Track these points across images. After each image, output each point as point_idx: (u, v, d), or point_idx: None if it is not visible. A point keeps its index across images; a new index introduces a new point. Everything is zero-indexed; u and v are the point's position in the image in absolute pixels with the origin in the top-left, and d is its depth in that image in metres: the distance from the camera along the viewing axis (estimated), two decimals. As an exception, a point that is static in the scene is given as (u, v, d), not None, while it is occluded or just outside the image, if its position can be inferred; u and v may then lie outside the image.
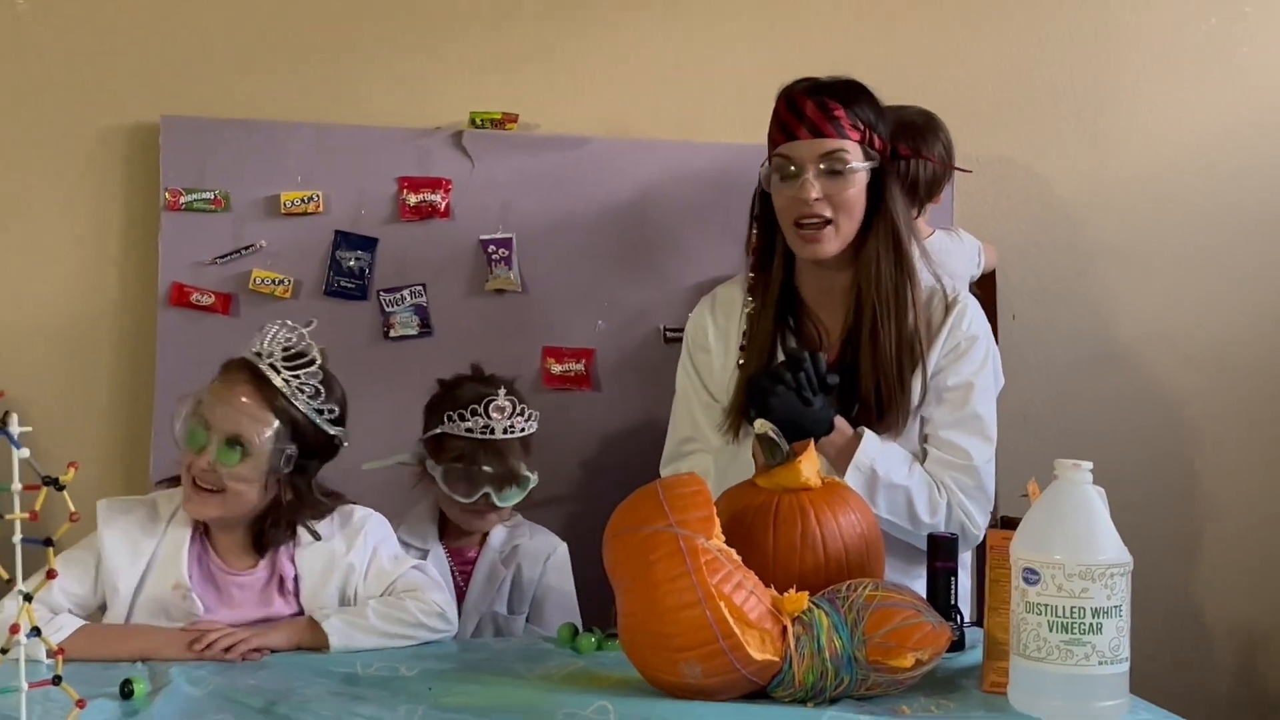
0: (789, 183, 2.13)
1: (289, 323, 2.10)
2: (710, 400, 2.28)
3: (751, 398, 2.08)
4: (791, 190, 2.12)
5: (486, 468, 2.35)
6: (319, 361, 2.09)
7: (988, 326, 2.26)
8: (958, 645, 1.97)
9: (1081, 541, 1.66)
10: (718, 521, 1.77)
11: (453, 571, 2.43)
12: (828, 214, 2.12)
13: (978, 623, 2.00)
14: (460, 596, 2.41)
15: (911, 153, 2.43)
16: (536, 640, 2.13)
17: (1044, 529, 1.69)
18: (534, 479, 2.41)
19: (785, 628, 1.74)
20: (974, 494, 2.15)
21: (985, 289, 2.81)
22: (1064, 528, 1.68)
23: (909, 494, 2.11)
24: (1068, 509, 1.69)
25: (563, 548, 2.49)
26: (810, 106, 2.12)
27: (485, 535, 2.46)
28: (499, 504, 2.37)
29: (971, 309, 2.23)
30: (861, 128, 2.13)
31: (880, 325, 2.15)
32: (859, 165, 2.13)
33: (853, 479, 2.07)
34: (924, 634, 1.74)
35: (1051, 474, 1.71)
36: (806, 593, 1.77)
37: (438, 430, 2.38)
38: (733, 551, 1.78)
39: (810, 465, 1.99)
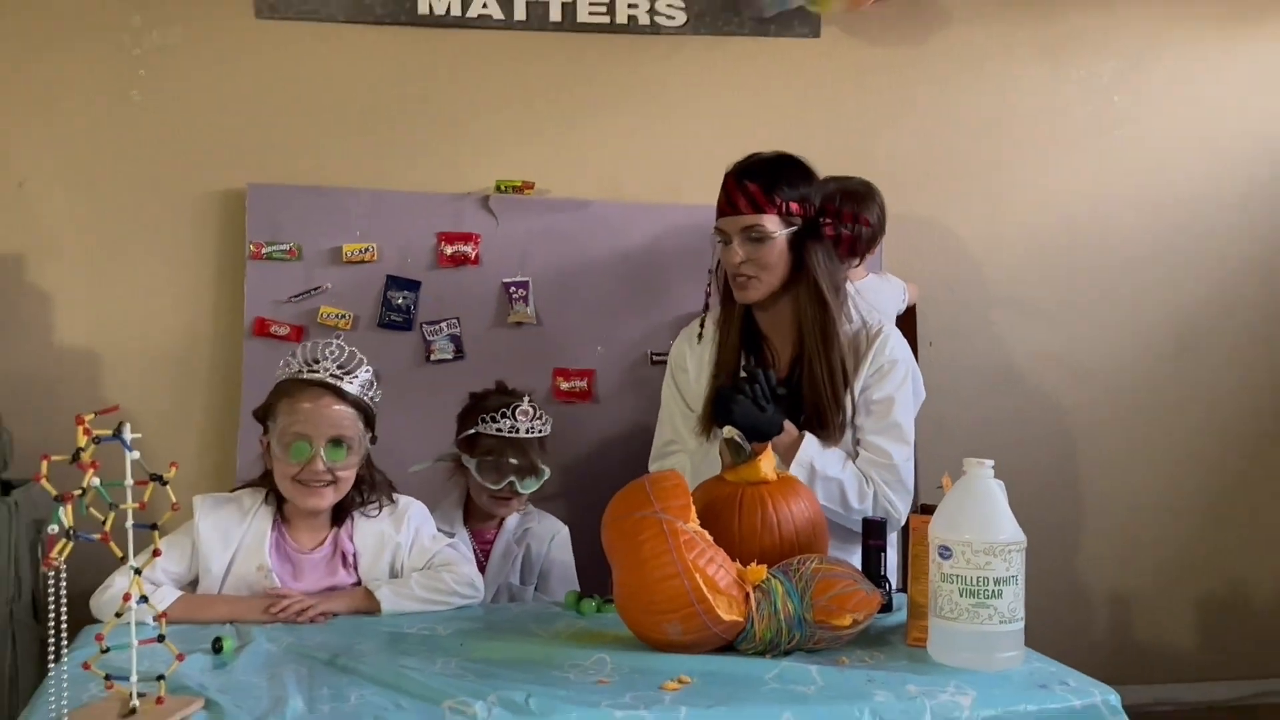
0: (724, 247, 2.17)
1: (316, 341, 2.08)
2: (688, 410, 2.28)
3: (718, 404, 2.11)
4: (726, 254, 2.16)
5: (512, 460, 2.35)
6: (363, 359, 2.09)
7: (908, 352, 2.25)
8: (886, 608, 1.96)
9: (985, 524, 1.66)
10: (694, 509, 1.77)
11: (474, 550, 2.42)
12: (751, 272, 2.14)
13: (903, 589, 2.00)
14: (480, 570, 2.38)
15: (852, 217, 2.43)
16: (547, 605, 2.12)
17: (955, 514, 1.69)
18: (548, 472, 2.40)
19: (748, 594, 1.73)
20: (895, 487, 2.14)
21: (908, 321, 2.82)
22: (971, 513, 1.68)
23: (842, 486, 2.12)
24: (974, 498, 1.69)
25: (564, 530, 2.48)
26: (735, 190, 2.15)
27: (501, 520, 2.45)
28: (520, 491, 2.36)
29: (893, 338, 2.23)
30: (778, 201, 2.14)
31: (814, 356, 2.16)
32: (777, 232, 2.13)
33: (796, 471, 2.08)
34: (859, 599, 1.74)
35: (961, 470, 1.71)
36: (765, 566, 1.77)
37: (472, 431, 2.38)
38: (706, 533, 1.78)
39: (768, 463, 1.98)
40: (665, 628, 1.71)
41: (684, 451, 2.24)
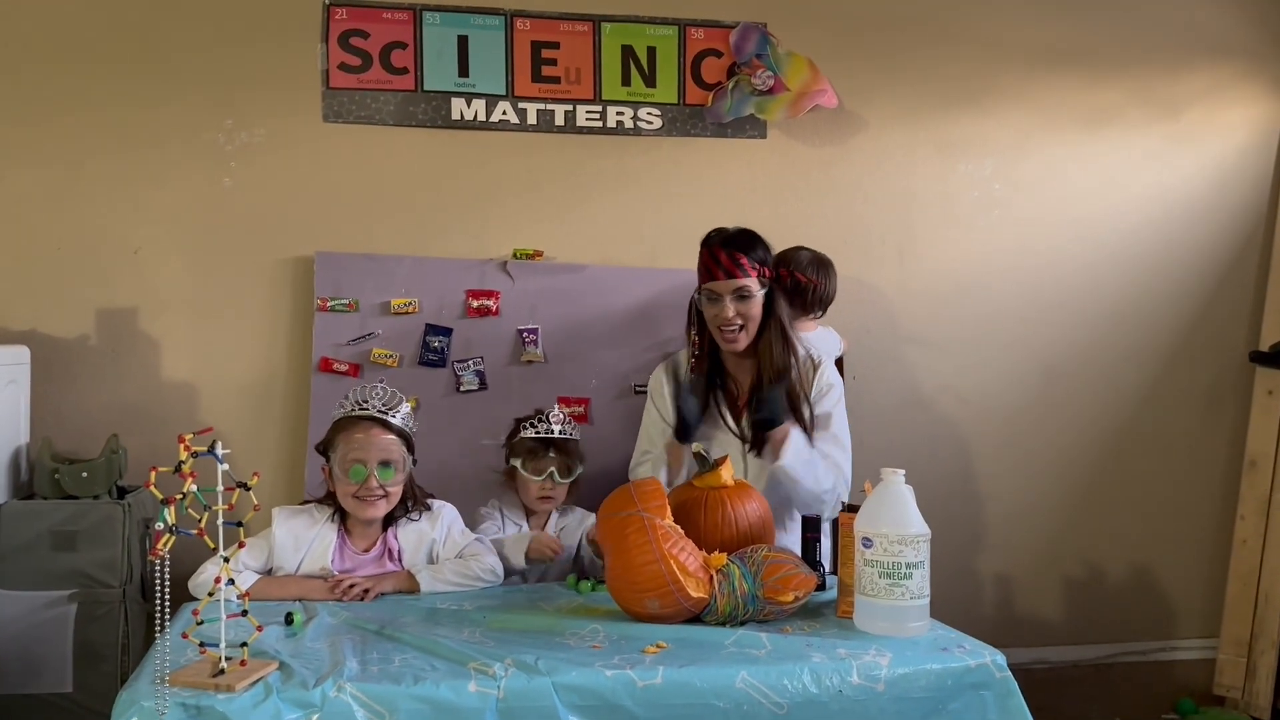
0: (714, 304, 2.16)
1: (364, 386, 2.08)
2: (665, 426, 2.27)
3: (766, 404, 2.09)
4: (715, 310, 2.15)
5: (550, 455, 2.34)
6: (402, 397, 2.08)
7: (839, 379, 2.26)
8: (820, 587, 1.96)
9: (898, 520, 1.67)
10: (669, 508, 1.77)
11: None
12: (740, 323, 2.15)
13: (834, 572, 1.99)
14: None
15: (821, 283, 2.54)
16: (551, 585, 2.10)
17: (875, 512, 1.69)
18: (581, 468, 2.39)
19: (712, 576, 1.73)
20: (840, 480, 2.14)
21: (839, 363, 2.81)
22: (887, 512, 1.68)
23: (817, 467, 2.10)
24: (890, 499, 1.69)
25: (591, 517, 2.43)
26: (724, 257, 2.14)
27: (547, 519, 2.42)
28: (558, 481, 2.35)
29: (828, 369, 2.24)
30: (757, 266, 2.15)
31: (773, 382, 2.16)
32: (757, 291, 2.15)
33: (791, 453, 2.05)
34: (800, 579, 1.73)
35: (880, 478, 1.72)
36: (725, 554, 1.76)
37: (519, 436, 2.39)
38: (679, 528, 1.77)
39: (727, 472, 1.99)
40: (646, 603, 1.70)
41: (658, 460, 2.22)
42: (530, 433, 2.36)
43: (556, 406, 2.38)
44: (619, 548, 1.74)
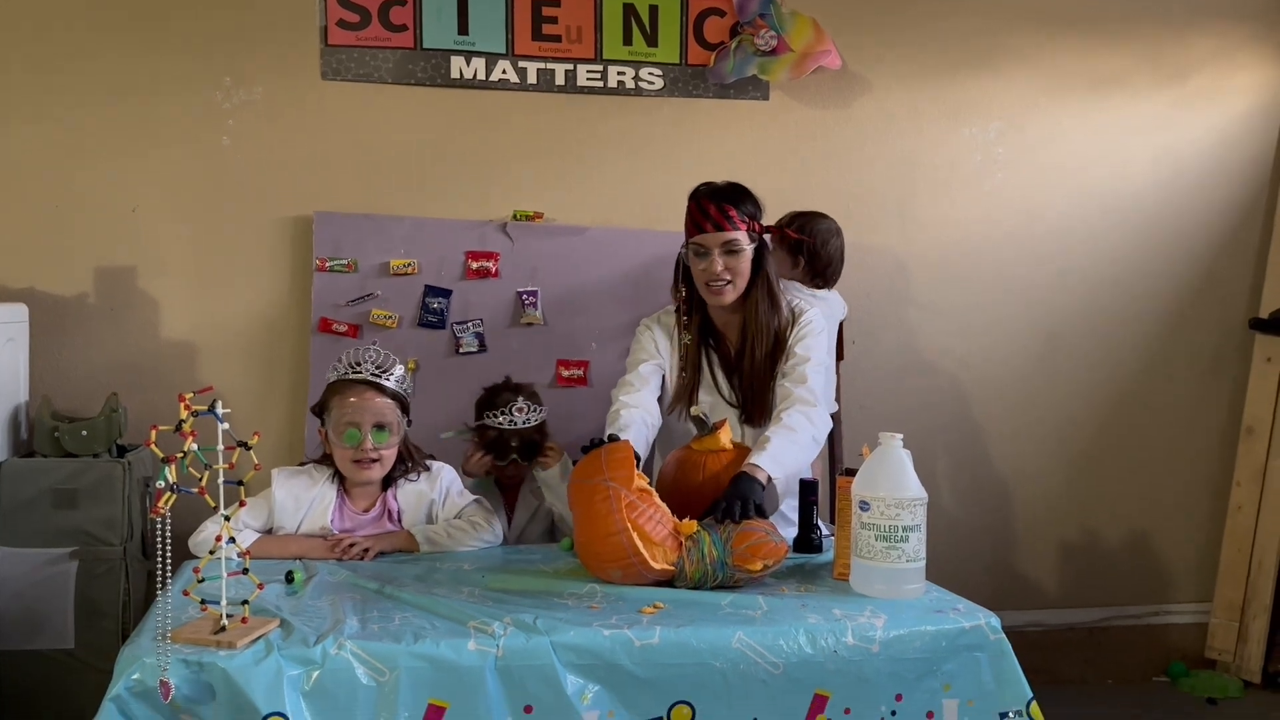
0: (701, 259, 2.10)
1: (358, 347, 2.07)
2: (657, 360, 2.21)
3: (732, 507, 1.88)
4: (704, 264, 2.10)
5: (513, 444, 2.34)
6: (396, 359, 2.07)
7: (823, 323, 2.21)
8: (818, 548, 1.97)
9: (896, 484, 1.67)
10: (638, 476, 1.75)
11: (504, 506, 2.40)
12: (728, 278, 2.09)
13: (830, 535, 2.00)
14: (509, 520, 2.39)
15: (837, 253, 2.58)
16: (549, 548, 2.11)
17: (872, 476, 1.69)
18: (548, 446, 2.37)
19: (681, 542, 1.73)
20: (820, 411, 2.08)
21: (841, 326, 2.81)
22: (885, 475, 1.68)
23: (801, 448, 2.03)
24: (887, 463, 1.69)
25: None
26: (713, 209, 2.08)
27: (521, 482, 2.44)
28: (523, 462, 2.36)
29: (811, 313, 2.18)
30: (746, 220, 2.09)
31: (757, 345, 2.13)
32: (746, 246, 2.10)
33: (780, 478, 1.97)
34: (769, 548, 1.72)
35: (878, 441, 1.72)
36: (695, 521, 1.76)
37: (482, 423, 2.38)
38: (652, 492, 1.76)
39: (725, 436, 1.99)
40: (609, 572, 1.71)
41: (636, 408, 2.13)
42: (493, 422, 2.35)
43: (520, 399, 2.35)
44: (585, 516, 1.74)
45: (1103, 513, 3.21)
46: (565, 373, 2.83)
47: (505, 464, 2.36)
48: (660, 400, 2.21)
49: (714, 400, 2.19)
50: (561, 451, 2.39)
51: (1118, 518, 3.22)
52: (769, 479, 1.90)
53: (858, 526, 1.68)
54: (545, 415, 2.40)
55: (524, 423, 2.35)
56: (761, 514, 1.82)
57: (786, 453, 1.96)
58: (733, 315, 2.17)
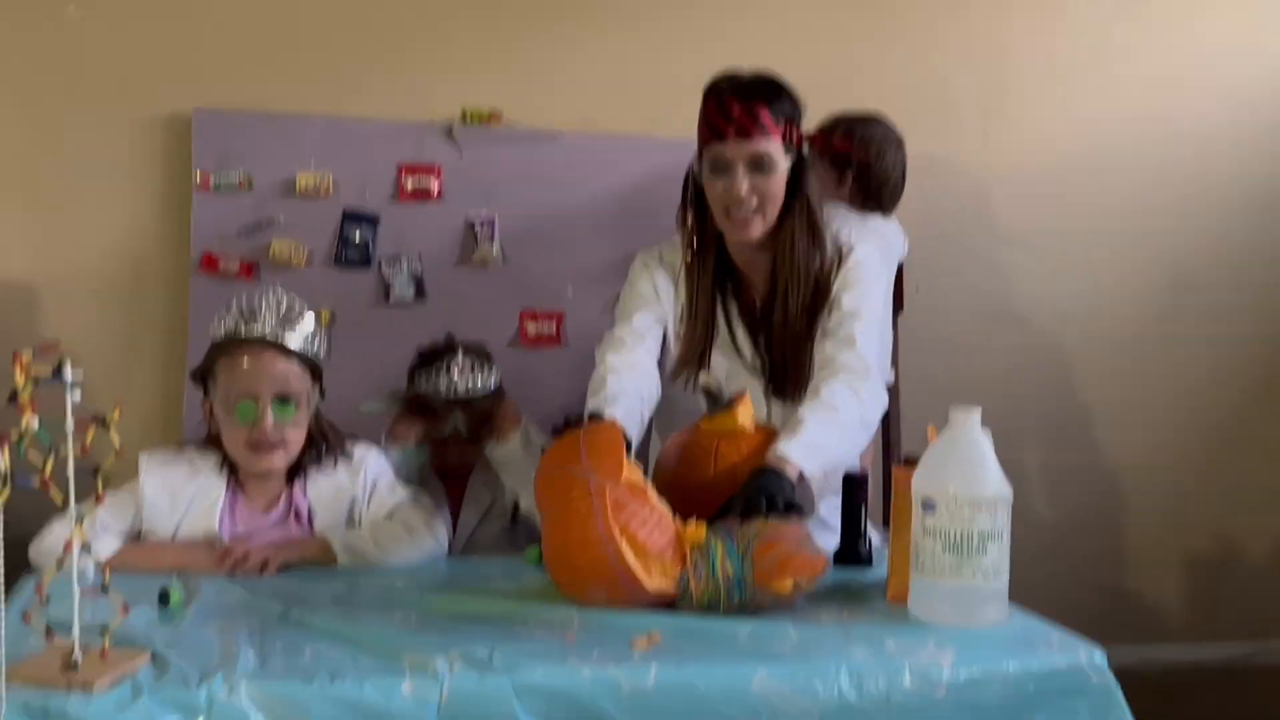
0: (720, 177, 2.07)
1: (252, 292, 2.07)
2: (657, 309, 2.23)
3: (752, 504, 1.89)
4: (722, 184, 2.07)
5: (460, 418, 2.38)
6: (304, 307, 2.08)
7: (878, 262, 2.22)
8: (866, 562, 1.99)
9: (971, 476, 1.67)
10: (627, 466, 1.75)
11: (448, 501, 2.43)
12: (755, 203, 2.07)
13: (883, 543, 2.02)
14: (454, 520, 2.42)
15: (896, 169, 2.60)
16: (511, 559, 2.12)
17: (940, 466, 1.69)
18: (512, 422, 2.40)
19: (686, 554, 1.74)
20: (874, 385, 2.09)
21: (900, 268, 2.81)
22: (956, 465, 1.68)
23: (846, 435, 2.04)
24: (960, 449, 1.69)
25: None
26: (737, 109, 2.04)
27: (471, 469, 2.47)
28: (475, 443, 2.39)
29: (862, 250, 2.17)
30: (782, 125, 2.06)
31: (791, 292, 2.12)
32: (780, 160, 2.06)
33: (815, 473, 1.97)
34: (801, 561, 1.71)
35: (947, 420, 1.72)
36: (705, 524, 1.77)
37: (416, 391, 2.40)
38: (645, 485, 1.78)
39: (744, 414, 1.99)
40: (589, 591, 1.71)
41: (627, 374, 2.14)
42: (428, 389, 2.38)
43: (460, 354, 2.39)
44: (559, 517, 1.73)
45: (1242, 517, 3.24)
46: (532, 328, 2.85)
47: (444, 436, 2.39)
48: (660, 365, 2.22)
49: (731, 365, 2.20)
50: (520, 416, 2.42)
51: (1262, 524, 3.25)
52: (801, 476, 1.91)
53: (920, 533, 1.69)
54: (499, 380, 2.42)
55: (468, 388, 2.37)
56: (793, 512, 1.83)
57: (826, 439, 1.96)
58: (760, 253, 2.17)
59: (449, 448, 2.42)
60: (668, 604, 1.72)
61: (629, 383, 2.09)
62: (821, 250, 2.14)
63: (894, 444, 2.71)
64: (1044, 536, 3.13)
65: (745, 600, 1.71)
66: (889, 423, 2.69)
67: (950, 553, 1.66)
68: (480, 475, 2.46)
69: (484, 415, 2.40)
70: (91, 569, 1.54)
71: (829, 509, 2.14)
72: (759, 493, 1.83)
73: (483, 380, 2.39)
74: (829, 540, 2.02)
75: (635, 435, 2.03)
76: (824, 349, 2.10)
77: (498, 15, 2.84)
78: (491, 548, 2.40)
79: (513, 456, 2.38)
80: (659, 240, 2.31)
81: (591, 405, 2.03)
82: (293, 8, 2.78)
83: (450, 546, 2.16)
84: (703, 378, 2.04)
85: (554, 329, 2.84)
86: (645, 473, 1.84)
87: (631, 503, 1.73)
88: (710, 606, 1.71)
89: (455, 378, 2.37)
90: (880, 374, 2.12)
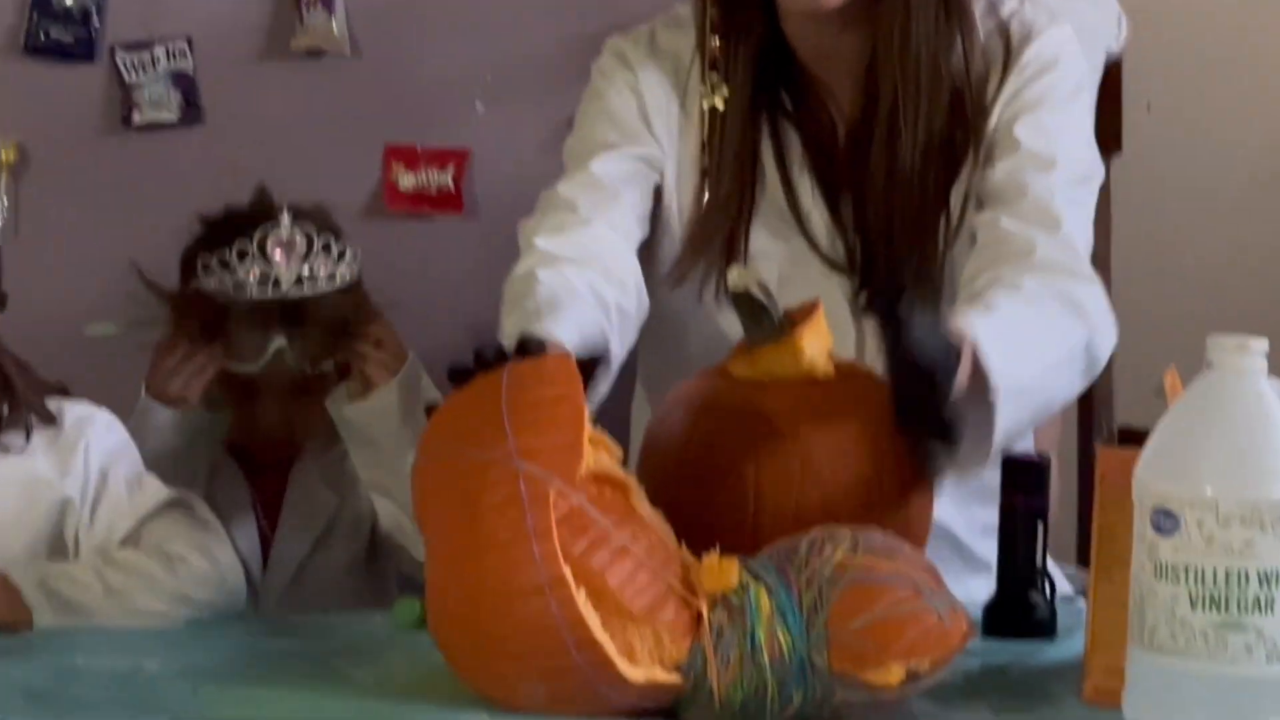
0: None
1: None
2: (640, 133, 2.29)
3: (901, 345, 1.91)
4: None
5: (279, 335, 2.44)
6: None
7: (1078, 60, 2.29)
8: (1046, 630, 2.01)
9: (1247, 467, 1.66)
10: (590, 449, 1.76)
11: (255, 508, 2.52)
12: None
13: (1079, 594, 2.02)
14: (263, 542, 2.51)
15: None
16: (368, 619, 2.15)
17: (1188, 447, 1.69)
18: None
19: (701, 616, 1.74)
20: (1076, 273, 2.14)
21: (1110, 75, 2.85)
22: (1220, 445, 1.67)
23: (1056, 358, 2.06)
24: (1227, 416, 1.68)
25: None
26: None
27: (293, 456, 2.54)
28: (299, 371, 2.46)
29: (1051, 40, 2.24)
30: None
31: (905, 112, 2.17)
32: None
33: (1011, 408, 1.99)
34: (922, 631, 1.72)
35: (1201, 359, 1.71)
36: (736, 560, 1.77)
37: (198, 292, 2.46)
38: (630, 483, 1.80)
39: (816, 341, 1.99)
40: (517, 684, 1.73)
41: (580, 268, 2.18)
42: (221, 284, 2.43)
43: (286, 218, 2.43)
44: (456, 540, 1.75)
45: None
46: (408, 179, 2.89)
47: (252, 377, 2.43)
48: (649, 258, 2.26)
49: (790, 251, 2.25)
50: (401, 347, 2.48)
51: None
52: (978, 375, 1.91)
53: (1149, 573, 1.69)
54: (358, 273, 2.47)
55: (296, 281, 2.41)
56: (945, 436, 1.86)
57: (1027, 339, 1.99)
58: (845, 36, 2.22)
59: (261, 406, 2.49)
60: (665, 714, 1.74)
61: (582, 281, 2.12)
62: (966, 29, 2.19)
63: (1096, 408, 2.75)
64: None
65: (811, 697, 1.72)
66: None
67: (1208, 609, 1.66)
68: (315, 462, 2.53)
69: (329, 340, 2.45)
70: None
71: (973, 527, 2.15)
72: (920, 369, 1.84)
73: (327, 271, 2.44)
74: (976, 585, 2.05)
75: (604, 383, 2.06)
76: (988, 228, 2.15)
77: None
78: (333, 594, 2.47)
79: (379, 423, 2.43)
80: (648, 15, 2.35)
81: (512, 326, 2.04)
82: None
83: (254, 591, 2.23)
84: (734, 275, 2.02)
85: (450, 182, 2.84)
86: (625, 459, 1.84)
87: (599, 516, 1.72)
88: (744, 713, 1.72)
89: (275, 266, 2.40)
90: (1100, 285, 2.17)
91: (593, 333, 2.05)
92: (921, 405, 1.84)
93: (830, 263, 2.22)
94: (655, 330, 2.23)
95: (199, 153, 2.80)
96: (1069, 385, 2.08)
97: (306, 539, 2.48)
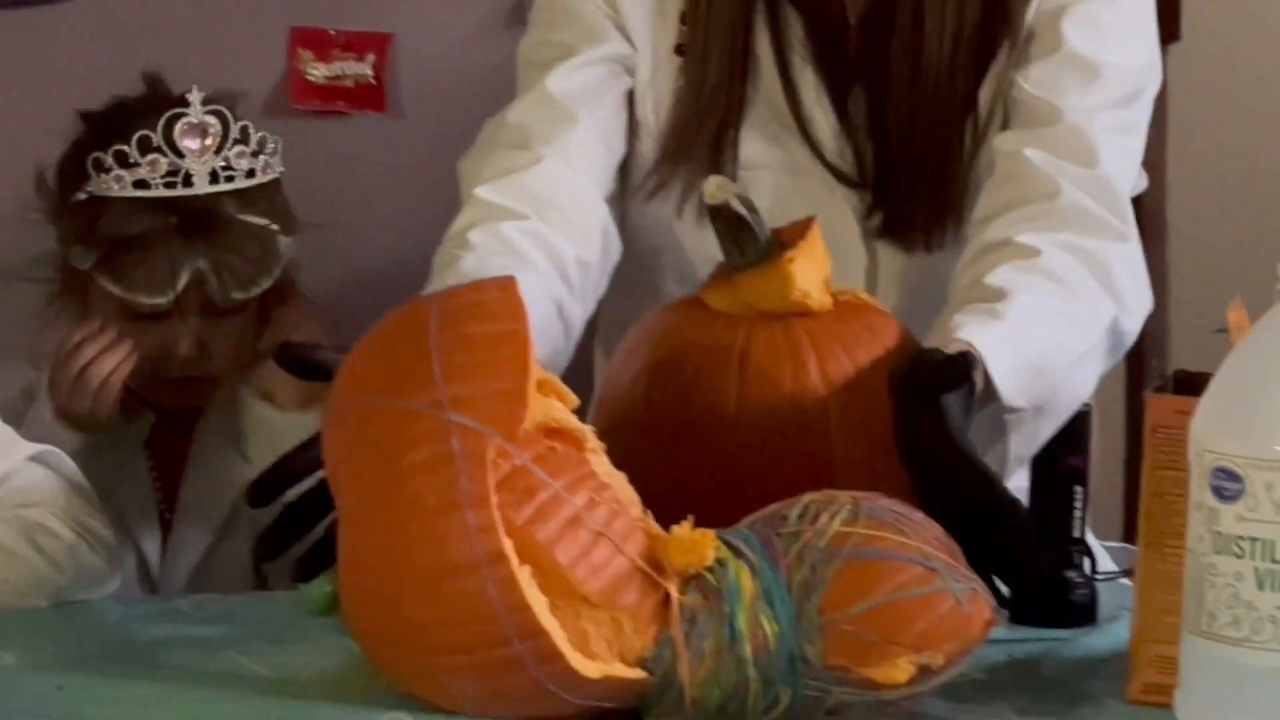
0: None
1: None
2: (604, 29, 2.31)
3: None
4: None
5: (180, 246, 2.44)
6: None
7: None
8: (1084, 616, 2.03)
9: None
10: (538, 397, 1.76)
11: (148, 478, 2.54)
12: None
13: (1124, 573, 2.03)
14: (162, 517, 2.53)
15: None
16: (272, 600, 2.16)
17: (1256, 396, 1.69)
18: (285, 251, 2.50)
19: (670, 598, 1.74)
20: (1112, 227, 2.17)
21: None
22: (1294, 393, 1.68)
23: (1077, 341, 2.10)
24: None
25: None
26: None
27: (202, 409, 2.57)
28: (222, 301, 2.46)
29: None
30: None
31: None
32: None
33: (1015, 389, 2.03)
34: (935, 618, 1.73)
35: (1271, 291, 1.71)
36: (712, 533, 1.77)
37: (85, 193, 2.46)
38: (587, 439, 1.80)
39: (811, 267, 2.00)
40: (447, 681, 1.73)
41: (522, 215, 2.21)
42: (116, 184, 2.42)
43: (195, 95, 2.44)
44: (376, 506, 1.75)
45: None
46: (317, 70, 2.90)
47: (166, 297, 2.43)
48: (624, 179, 2.30)
49: (787, 159, 2.27)
50: (300, 297, 2.52)
51: None
52: (988, 388, 1.94)
53: (1208, 546, 1.69)
54: (276, 167, 2.51)
55: (212, 177, 2.42)
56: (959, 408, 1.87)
57: (1045, 352, 2.01)
58: None
59: (170, 330, 2.49)
60: (626, 712, 1.75)
61: (528, 239, 2.16)
62: None
63: (1146, 350, 2.76)
64: None
65: (801, 700, 1.73)
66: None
67: (1277, 589, 1.66)
68: (223, 422, 2.55)
69: (254, 263, 2.48)
70: None
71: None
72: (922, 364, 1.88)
73: (247, 165, 2.48)
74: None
75: (566, 354, 2.12)
76: (1011, 157, 2.18)
77: None
78: (245, 579, 2.49)
79: (296, 429, 2.41)
80: None
81: (449, 263, 2.12)
82: None
83: (148, 573, 2.27)
84: (711, 186, 2.02)
85: (369, 73, 2.84)
86: (584, 412, 1.85)
87: (547, 479, 1.72)
88: (724, 715, 1.73)
89: (186, 158, 2.42)
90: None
91: (535, 309, 2.05)
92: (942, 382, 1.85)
93: (837, 174, 2.24)
94: (623, 267, 2.24)
95: (69, 38, 2.78)
96: (1091, 376, 2.11)
97: (214, 517, 2.50)
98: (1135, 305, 2.12)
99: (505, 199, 2.15)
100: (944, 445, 1.85)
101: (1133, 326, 2.13)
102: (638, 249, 2.28)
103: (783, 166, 2.25)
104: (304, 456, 1.92)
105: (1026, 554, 1.84)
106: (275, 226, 2.47)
